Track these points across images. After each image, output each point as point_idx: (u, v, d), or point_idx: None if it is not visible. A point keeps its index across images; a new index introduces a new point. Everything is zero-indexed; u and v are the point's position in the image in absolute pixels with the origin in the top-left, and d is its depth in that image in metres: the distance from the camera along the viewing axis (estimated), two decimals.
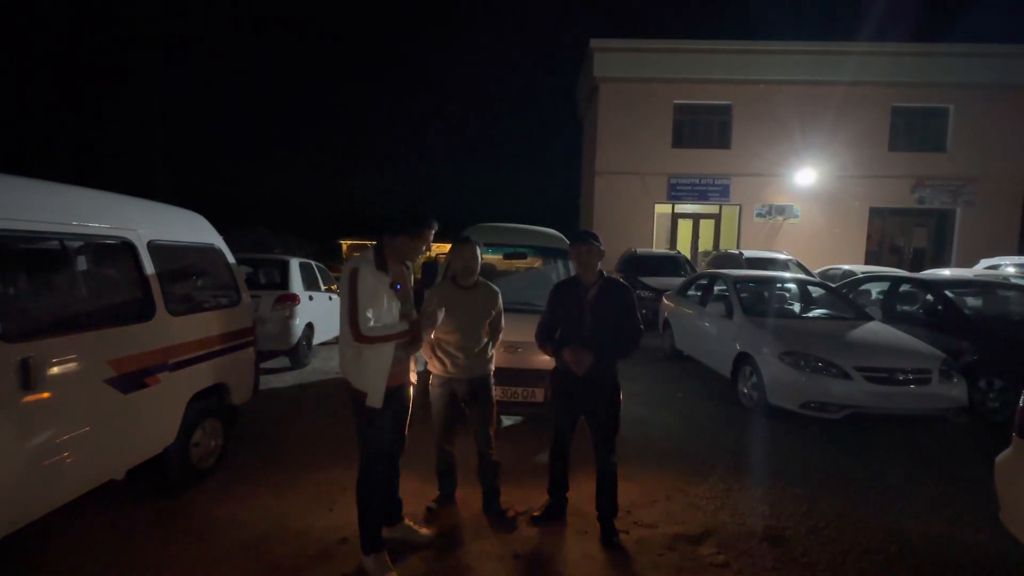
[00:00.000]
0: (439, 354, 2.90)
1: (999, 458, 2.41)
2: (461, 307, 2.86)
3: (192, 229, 3.62)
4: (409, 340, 2.46)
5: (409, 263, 2.61)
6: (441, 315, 2.65)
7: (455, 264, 2.94)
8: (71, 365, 2.35)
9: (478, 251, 2.94)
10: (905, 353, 4.75)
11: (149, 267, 2.93)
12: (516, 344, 3.80)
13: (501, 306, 3.00)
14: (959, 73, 14.92)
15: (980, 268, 10.20)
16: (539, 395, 3.83)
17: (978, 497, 3.27)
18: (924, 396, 4.45)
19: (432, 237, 2.53)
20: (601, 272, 2.85)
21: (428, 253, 2.59)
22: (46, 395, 2.22)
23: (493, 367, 3.03)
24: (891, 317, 6.06)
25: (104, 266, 2.94)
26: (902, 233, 16.23)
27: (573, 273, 3.03)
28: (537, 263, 5.77)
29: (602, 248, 2.82)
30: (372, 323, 2.33)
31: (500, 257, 5.35)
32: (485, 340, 2.92)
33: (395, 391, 2.49)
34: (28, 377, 2.12)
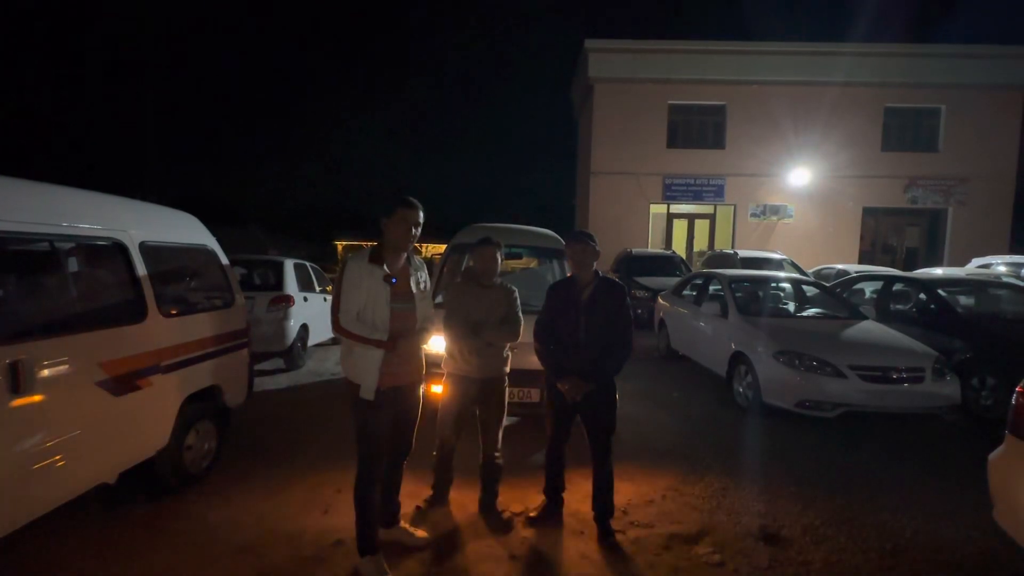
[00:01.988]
0: (454, 352, 2.90)
1: (992, 456, 2.42)
2: (477, 305, 2.87)
3: (185, 230, 3.59)
4: (387, 350, 2.35)
5: (416, 259, 2.58)
6: (429, 334, 2.56)
7: (477, 265, 2.98)
8: (62, 367, 2.32)
9: (499, 254, 2.95)
10: (899, 352, 4.78)
11: (141, 268, 2.90)
12: (512, 344, 3.80)
13: (516, 304, 2.99)
14: (951, 74, 15.05)
15: (972, 267, 10.28)
16: (535, 395, 3.82)
17: (972, 494, 3.29)
18: (918, 394, 4.47)
19: (414, 218, 2.40)
20: (596, 272, 2.85)
21: (416, 241, 2.49)
22: (37, 398, 2.19)
23: (508, 369, 3.02)
24: (885, 316, 6.09)
25: (95, 267, 2.91)
26: (895, 232, 16.35)
27: (569, 273, 3.03)
28: (533, 263, 5.77)
29: (597, 248, 2.82)
30: (355, 317, 2.32)
31: None
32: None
33: (401, 390, 2.47)
34: (18, 380, 2.10)
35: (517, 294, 3.02)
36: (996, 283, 7.01)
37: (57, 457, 2.28)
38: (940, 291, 5.97)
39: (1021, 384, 2.31)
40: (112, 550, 2.60)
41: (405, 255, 2.50)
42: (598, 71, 15.54)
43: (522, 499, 3.17)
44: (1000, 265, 9.80)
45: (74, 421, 2.38)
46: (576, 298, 2.79)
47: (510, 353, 3.03)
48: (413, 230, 2.43)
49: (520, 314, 2.99)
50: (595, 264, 2.85)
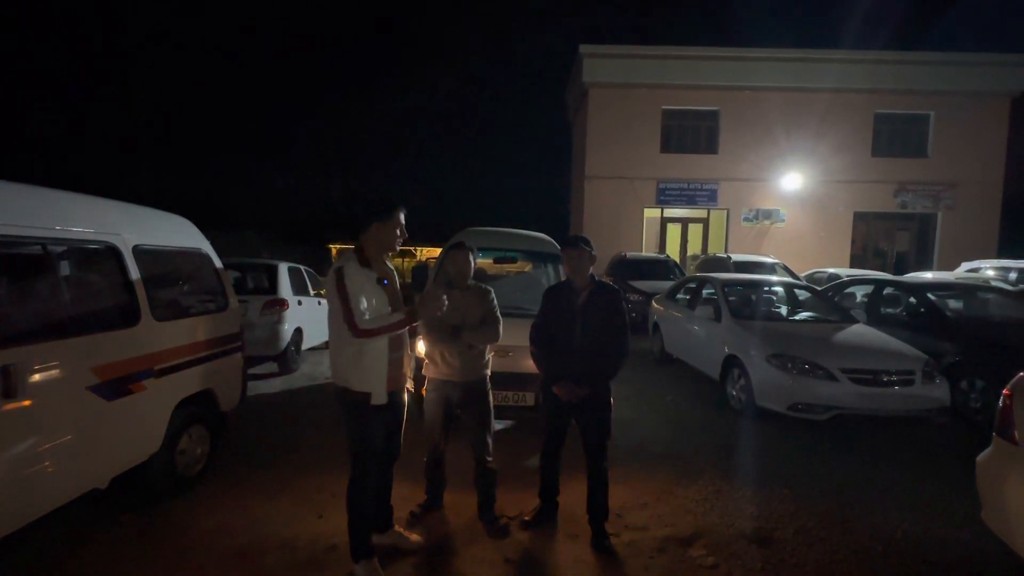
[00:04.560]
0: (434, 356, 2.89)
1: (980, 457, 2.46)
2: (455, 309, 2.86)
3: (178, 233, 3.58)
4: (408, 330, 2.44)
5: (391, 265, 2.59)
6: (445, 301, 2.49)
7: (450, 269, 2.97)
8: (53, 372, 2.31)
9: (471, 256, 2.96)
10: (889, 355, 4.82)
11: (134, 272, 2.89)
12: (507, 348, 3.80)
13: (492, 304, 2.97)
14: (940, 81, 15.28)
15: (961, 271, 10.41)
16: (530, 399, 3.83)
17: (961, 496, 3.33)
18: (908, 397, 4.52)
19: (402, 220, 2.44)
20: (592, 276, 2.86)
21: (408, 247, 2.53)
22: (27, 403, 2.18)
23: (490, 371, 3.01)
24: (875, 319, 6.15)
25: (88, 271, 2.90)
26: (885, 237, 16.53)
27: (563, 277, 3.04)
28: (527, 267, 5.78)
29: (594, 254, 2.83)
30: (367, 317, 2.31)
31: (491, 261, 5.35)
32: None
33: (390, 396, 2.48)
34: (9, 384, 2.09)
35: (493, 294, 3.00)
36: (984, 287, 7.10)
37: (47, 463, 2.27)
38: (930, 295, 6.04)
39: (1008, 387, 2.35)
40: (103, 556, 2.58)
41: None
42: (592, 76, 15.64)
43: (517, 503, 3.17)
44: (988, 269, 9.93)
45: (65, 426, 2.37)
46: (573, 302, 2.80)
47: (491, 356, 3.02)
48: (404, 232, 2.49)
49: (499, 314, 2.97)
50: (591, 269, 2.86)
